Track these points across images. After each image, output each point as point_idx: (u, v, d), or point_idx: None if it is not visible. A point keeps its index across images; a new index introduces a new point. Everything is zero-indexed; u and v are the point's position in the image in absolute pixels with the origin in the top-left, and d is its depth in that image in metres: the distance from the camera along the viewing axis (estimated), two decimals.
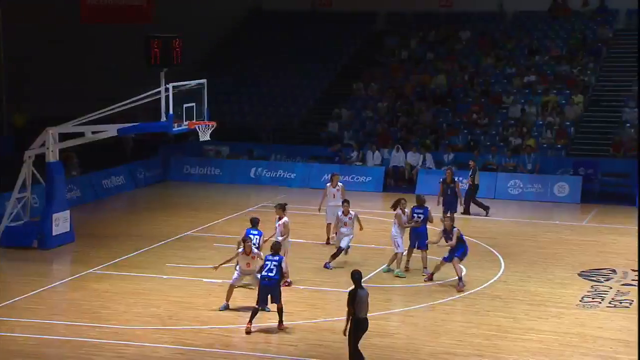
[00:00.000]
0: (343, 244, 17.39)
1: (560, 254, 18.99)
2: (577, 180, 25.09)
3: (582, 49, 30.44)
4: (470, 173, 23.22)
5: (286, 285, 15.43)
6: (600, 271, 17.61)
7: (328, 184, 19.55)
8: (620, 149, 26.34)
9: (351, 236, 17.55)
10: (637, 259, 18.46)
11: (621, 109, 28.15)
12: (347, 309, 12.04)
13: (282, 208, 16.62)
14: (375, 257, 18.39)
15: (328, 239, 19.14)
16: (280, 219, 16.56)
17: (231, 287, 14.98)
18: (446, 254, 16.33)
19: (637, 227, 22.14)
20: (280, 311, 13.99)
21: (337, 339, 13.48)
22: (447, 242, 16.24)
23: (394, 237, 17.13)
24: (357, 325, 12.09)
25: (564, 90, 29.15)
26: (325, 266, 17.43)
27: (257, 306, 13.95)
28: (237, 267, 14.97)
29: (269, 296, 13.98)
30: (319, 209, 19.31)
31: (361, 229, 17.76)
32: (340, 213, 17.53)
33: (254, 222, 16.14)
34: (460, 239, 16.18)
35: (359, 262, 17.88)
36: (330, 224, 18.98)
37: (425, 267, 17.24)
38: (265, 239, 16.10)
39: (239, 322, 14.31)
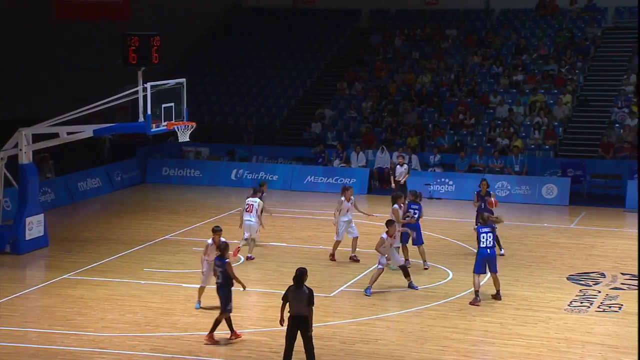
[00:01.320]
0: (402, 260, 16.69)
1: (548, 257, 19.10)
2: (565, 182, 25.25)
3: (570, 48, 30.65)
4: (397, 173, 23.37)
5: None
6: (588, 275, 17.73)
7: (342, 198, 18.08)
8: (609, 150, 26.54)
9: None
10: (627, 262, 18.64)
11: (610, 109, 28.37)
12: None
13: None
14: (360, 260, 18.39)
15: (334, 255, 18.27)
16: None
17: (202, 289, 15.10)
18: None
19: (627, 230, 22.34)
20: (228, 321, 13.63)
21: (320, 345, 13.48)
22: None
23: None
24: (288, 321, 12.30)
25: (551, 90, 29.34)
26: (411, 286, 16.41)
27: (226, 315, 13.72)
28: (206, 263, 14.83)
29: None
30: (335, 223, 18.31)
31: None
32: (385, 236, 15.98)
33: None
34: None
35: (345, 265, 17.93)
36: (339, 241, 18.15)
37: (425, 261, 17.69)
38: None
39: (220, 329, 14.27)
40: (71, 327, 14.34)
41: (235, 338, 13.78)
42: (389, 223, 16.23)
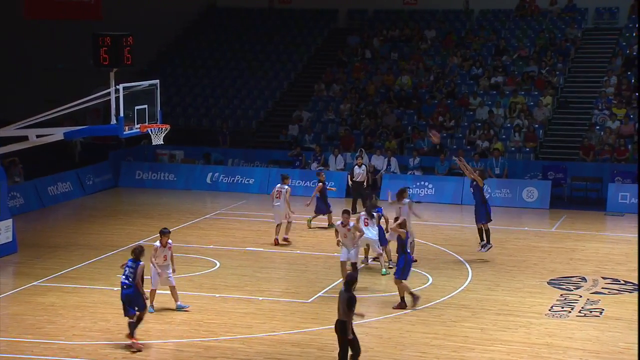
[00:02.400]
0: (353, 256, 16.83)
1: (529, 262, 19.22)
2: (546, 185, 25.42)
3: (550, 49, 30.90)
4: (355, 173, 23.67)
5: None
6: (569, 279, 17.86)
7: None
8: (590, 153, 26.76)
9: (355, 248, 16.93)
10: (608, 266, 18.81)
11: (591, 110, 28.62)
12: None
13: None
14: (337, 265, 18.40)
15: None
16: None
17: (153, 292, 15.28)
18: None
19: (608, 233, 22.57)
20: (138, 320, 13.73)
21: (297, 352, 13.51)
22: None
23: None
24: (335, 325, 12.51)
25: (532, 92, 29.55)
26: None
27: (130, 320, 13.71)
28: (153, 266, 15.07)
29: (135, 306, 13.75)
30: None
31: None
32: (339, 223, 16.94)
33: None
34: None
35: (322, 271, 17.95)
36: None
37: (390, 260, 17.96)
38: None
39: (193, 336, 14.25)
40: (41, 336, 14.23)
41: (133, 344, 13.65)
42: (344, 211, 16.94)
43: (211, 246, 20.11)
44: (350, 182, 23.92)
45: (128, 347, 13.67)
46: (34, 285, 17.04)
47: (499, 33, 32.44)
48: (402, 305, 15.63)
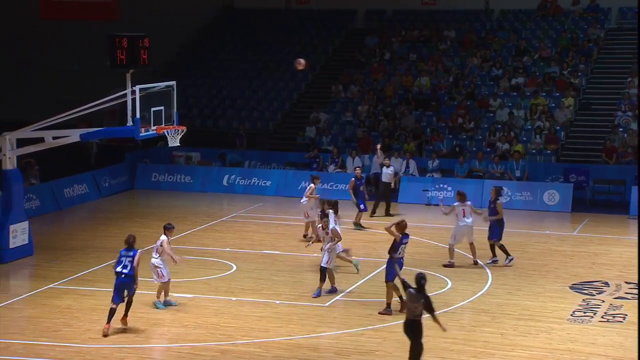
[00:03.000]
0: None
1: (550, 266, 19.14)
2: (567, 188, 25.30)
3: (573, 50, 30.76)
4: (384, 175, 23.71)
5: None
6: (592, 284, 17.76)
7: (456, 203, 18.87)
8: (613, 155, 26.61)
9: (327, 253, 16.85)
10: (632, 271, 18.68)
11: (613, 112, 28.46)
12: None
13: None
14: (354, 269, 18.40)
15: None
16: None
17: (166, 284, 15.76)
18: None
19: (631, 237, 22.40)
20: (129, 304, 14.52)
21: (314, 357, 13.51)
22: None
23: None
24: (403, 325, 12.54)
25: (553, 93, 29.43)
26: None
27: (113, 306, 14.38)
28: (159, 259, 15.55)
29: (125, 290, 14.46)
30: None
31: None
32: (319, 226, 17.19)
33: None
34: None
35: (339, 274, 17.91)
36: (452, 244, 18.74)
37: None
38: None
39: (209, 340, 14.29)
40: (57, 339, 14.31)
41: (106, 331, 14.32)
42: (321, 214, 17.06)
43: (227, 249, 20.16)
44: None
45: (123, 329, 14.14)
46: (50, 287, 17.15)
47: (519, 33, 32.33)
48: (389, 309, 15.56)
